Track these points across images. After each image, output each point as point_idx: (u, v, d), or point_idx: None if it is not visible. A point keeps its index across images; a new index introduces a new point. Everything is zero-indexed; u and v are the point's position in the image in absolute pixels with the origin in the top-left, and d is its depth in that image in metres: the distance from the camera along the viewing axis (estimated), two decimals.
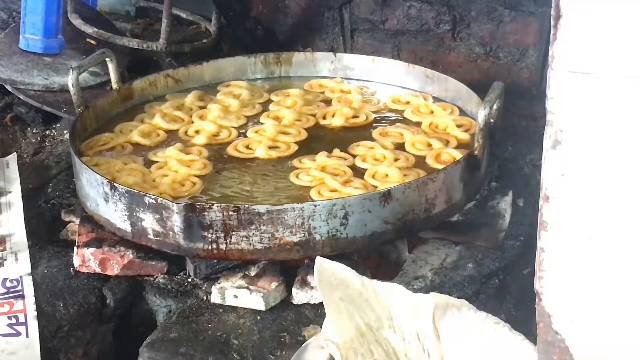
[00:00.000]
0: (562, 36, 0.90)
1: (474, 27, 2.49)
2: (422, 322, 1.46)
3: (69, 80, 2.03)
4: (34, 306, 1.69)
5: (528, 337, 1.44)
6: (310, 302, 1.69)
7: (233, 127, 2.12)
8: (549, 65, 0.92)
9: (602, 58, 0.90)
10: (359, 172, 1.89)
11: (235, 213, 1.64)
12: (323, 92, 2.32)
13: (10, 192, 2.06)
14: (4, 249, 1.85)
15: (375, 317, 1.47)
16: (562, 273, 0.97)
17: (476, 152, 1.81)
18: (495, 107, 1.83)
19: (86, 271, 1.80)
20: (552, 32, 0.90)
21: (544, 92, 2.49)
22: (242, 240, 1.67)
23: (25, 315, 1.66)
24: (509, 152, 2.19)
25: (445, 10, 2.51)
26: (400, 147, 1.99)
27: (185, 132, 2.11)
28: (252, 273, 1.72)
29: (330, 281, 1.48)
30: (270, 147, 2.00)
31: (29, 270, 1.79)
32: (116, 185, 1.74)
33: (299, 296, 1.69)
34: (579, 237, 0.95)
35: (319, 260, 1.49)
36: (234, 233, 1.66)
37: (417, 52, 2.59)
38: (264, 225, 1.65)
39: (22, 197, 2.03)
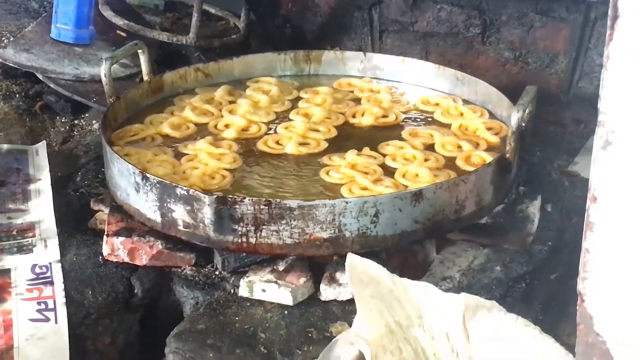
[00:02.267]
0: (618, 37, 0.90)
1: (504, 31, 2.49)
2: (451, 322, 1.46)
3: (102, 70, 2.03)
4: (63, 293, 1.70)
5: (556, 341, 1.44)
6: (337, 299, 1.69)
7: (263, 122, 2.13)
8: (604, 66, 0.92)
9: None
10: (388, 171, 1.88)
11: (267, 207, 1.64)
12: (352, 91, 2.32)
13: (39, 179, 2.07)
14: (34, 235, 1.86)
15: (405, 315, 1.47)
16: (607, 274, 0.97)
17: (507, 155, 1.81)
18: (527, 110, 1.83)
19: (115, 260, 1.80)
20: (608, 32, 0.90)
21: (573, 99, 2.50)
22: (272, 235, 1.67)
23: (55, 302, 1.67)
24: (537, 157, 2.19)
25: (475, 13, 2.51)
26: (429, 147, 1.99)
27: (215, 126, 2.11)
28: (281, 268, 1.72)
29: (361, 278, 1.48)
30: (300, 144, 2.00)
31: (58, 257, 1.80)
32: (148, 175, 1.74)
33: (327, 292, 1.69)
34: (626, 238, 0.95)
35: (351, 257, 1.49)
36: (264, 227, 1.66)
37: (446, 55, 2.59)
38: (294, 220, 1.65)
39: (51, 184, 2.04)
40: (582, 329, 1.03)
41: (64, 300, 1.68)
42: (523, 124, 1.82)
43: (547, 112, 2.36)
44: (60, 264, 1.77)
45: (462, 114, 2.14)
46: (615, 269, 0.96)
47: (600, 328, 1.00)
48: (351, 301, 1.58)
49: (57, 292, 1.70)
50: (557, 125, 2.38)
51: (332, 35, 2.79)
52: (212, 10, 2.92)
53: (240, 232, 1.67)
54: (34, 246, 1.83)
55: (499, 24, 2.49)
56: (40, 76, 2.41)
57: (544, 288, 1.78)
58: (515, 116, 1.78)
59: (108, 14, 2.59)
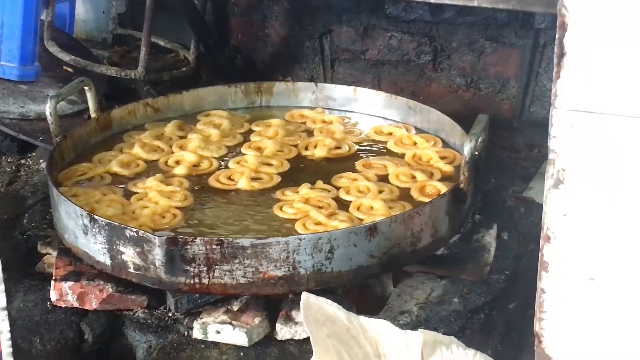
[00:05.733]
0: (565, 74, 0.88)
1: (455, 58, 2.49)
2: (410, 359, 1.43)
3: (47, 109, 1.99)
4: (10, 342, 1.64)
5: None
6: (294, 338, 1.66)
7: (214, 157, 2.09)
8: (552, 104, 0.90)
9: (605, 97, 0.88)
10: (343, 204, 1.86)
11: (219, 247, 1.61)
12: (304, 123, 2.30)
13: None
14: None
15: (363, 354, 1.44)
16: (564, 315, 0.95)
17: (462, 185, 1.80)
18: (480, 139, 1.82)
19: (64, 305, 1.75)
20: (555, 70, 0.89)
21: (525, 123, 2.50)
22: (225, 275, 1.63)
23: (0, 352, 1.61)
24: (491, 184, 2.18)
25: (426, 41, 2.51)
26: (383, 178, 1.97)
27: (166, 163, 2.07)
28: (235, 308, 1.69)
29: (317, 317, 1.45)
30: (253, 179, 1.97)
31: (4, 305, 1.72)
32: (96, 217, 1.70)
33: (283, 332, 1.66)
34: (580, 278, 0.93)
35: (305, 296, 1.47)
36: (217, 267, 1.63)
37: (398, 83, 2.58)
38: (247, 259, 1.62)
39: None
40: None
41: (11, 350, 1.62)
42: (476, 153, 1.81)
43: (501, 138, 2.36)
44: (6, 312, 1.71)
45: (415, 143, 2.13)
46: (572, 310, 0.95)
47: None
48: (308, 340, 1.55)
49: (3, 341, 1.63)
50: (511, 150, 2.38)
51: (283, 65, 2.77)
52: (161, 43, 2.88)
53: (192, 273, 1.64)
54: None
55: (449, 51, 2.49)
56: None
57: (503, 318, 1.77)
58: (468, 146, 1.77)
59: (54, 49, 2.54)
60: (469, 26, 2.43)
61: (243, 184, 1.95)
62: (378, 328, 1.47)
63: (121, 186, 1.97)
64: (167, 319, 1.72)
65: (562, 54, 0.88)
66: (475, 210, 1.99)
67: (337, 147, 2.13)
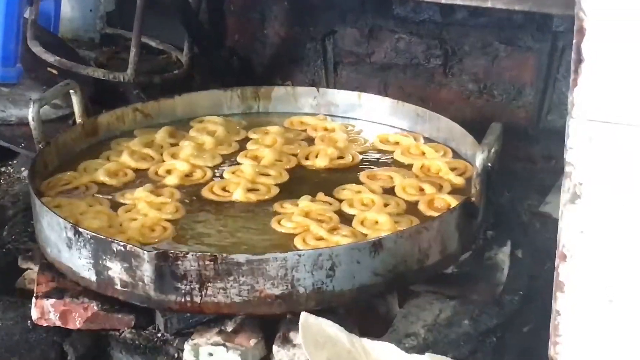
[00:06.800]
0: (583, 82, 0.89)
1: (467, 62, 2.50)
2: None
3: (30, 113, 2.00)
4: None
5: None
6: None
7: (208, 166, 2.11)
8: (569, 113, 0.91)
9: (626, 106, 0.89)
10: (345, 218, 1.87)
11: (212, 263, 1.62)
12: (305, 130, 2.31)
13: None
14: None
15: None
16: (580, 339, 0.96)
17: (473, 198, 1.81)
18: (493, 150, 1.83)
19: (45, 324, 1.76)
20: (572, 77, 0.90)
21: (542, 133, 2.50)
22: (218, 293, 1.64)
23: None
24: (504, 198, 2.19)
25: (436, 43, 2.52)
26: (389, 191, 1.99)
27: (156, 172, 2.09)
28: (229, 328, 1.70)
29: (316, 339, 1.46)
30: (249, 190, 1.98)
31: None
32: (80, 230, 1.71)
33: (280, 354, 1.67)
34: (598, 299, 0.94)
35: (304, 316, 1.48)
36: (210, 284, 1.64)
37: (405, 88, 2.59)
38: (243, 277, 1.63)
39: None
40: None
41: None
42: (489, 164, 1.82)
43: (515, 148, 2.37)
44: None
45: (423, 153, 2.14)
46: (589, 334, 0.95)
47: None
48: None
49: None
50: (526, 161, 2.39)
51: (283, 68, 2.79)
52: (153, 44, 2.89)
53: (183, 291, 1.65)
54: None
55: (461, 54, 2.50)
56: None
57: (516, 341, 1.77)
58: (480, 157, 1.78)
59: (37, 49, 2.55)
60: (482, 28, 2.44)
61: (239, 195, 1.96)
62: (382, 351, 1.48)
63: (108, 197, 1.98)
64: (155, 339, 1.73)
65: (579, 60, 0.89)
66: (487, 226, 2.00)
67: (340, 157, 2.14)
